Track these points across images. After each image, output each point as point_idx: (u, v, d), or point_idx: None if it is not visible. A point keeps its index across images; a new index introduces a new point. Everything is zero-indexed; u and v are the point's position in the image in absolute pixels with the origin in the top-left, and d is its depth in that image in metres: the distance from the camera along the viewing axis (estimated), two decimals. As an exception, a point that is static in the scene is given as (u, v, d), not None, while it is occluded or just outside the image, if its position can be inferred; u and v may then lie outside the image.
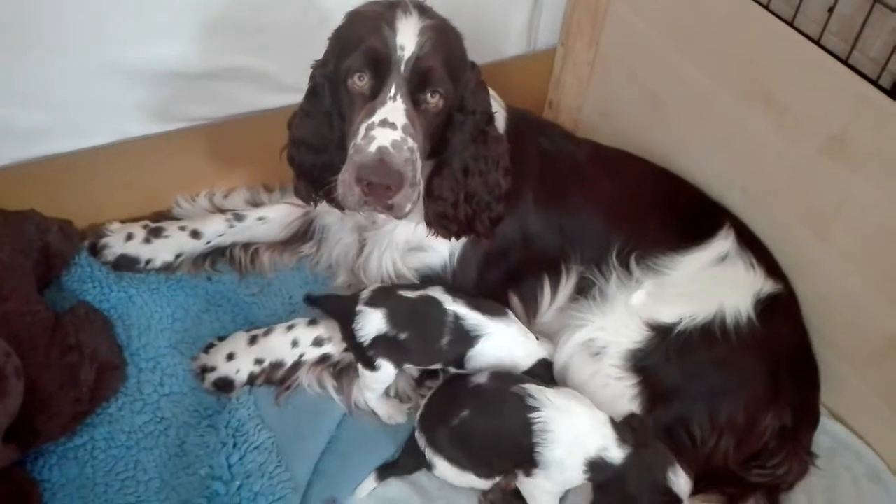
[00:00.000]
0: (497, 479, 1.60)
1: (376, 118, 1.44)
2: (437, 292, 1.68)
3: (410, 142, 1.44)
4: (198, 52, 1.90)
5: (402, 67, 1.45)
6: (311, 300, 1.76)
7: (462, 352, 1.66)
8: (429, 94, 1.49)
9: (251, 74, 2.00)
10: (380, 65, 1.46)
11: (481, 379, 1.62)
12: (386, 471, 1.66)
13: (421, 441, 1.61)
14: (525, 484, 1.56)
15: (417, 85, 1.47)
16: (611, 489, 1.48)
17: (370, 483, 1.64)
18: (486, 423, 1.56)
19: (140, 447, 1.67)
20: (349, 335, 1.65)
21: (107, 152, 1.95)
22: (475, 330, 1.65)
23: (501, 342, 1.66)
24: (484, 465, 1.58)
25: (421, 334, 1.63)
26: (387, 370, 1.64)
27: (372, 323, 1.61)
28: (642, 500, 1.47)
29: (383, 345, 1.62)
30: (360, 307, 1.63)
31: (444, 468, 1.60)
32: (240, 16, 1.89)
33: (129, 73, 1.86)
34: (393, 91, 1.45)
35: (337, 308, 1.70)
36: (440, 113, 1.53)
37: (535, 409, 1.51)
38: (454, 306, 1.65)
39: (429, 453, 1.60)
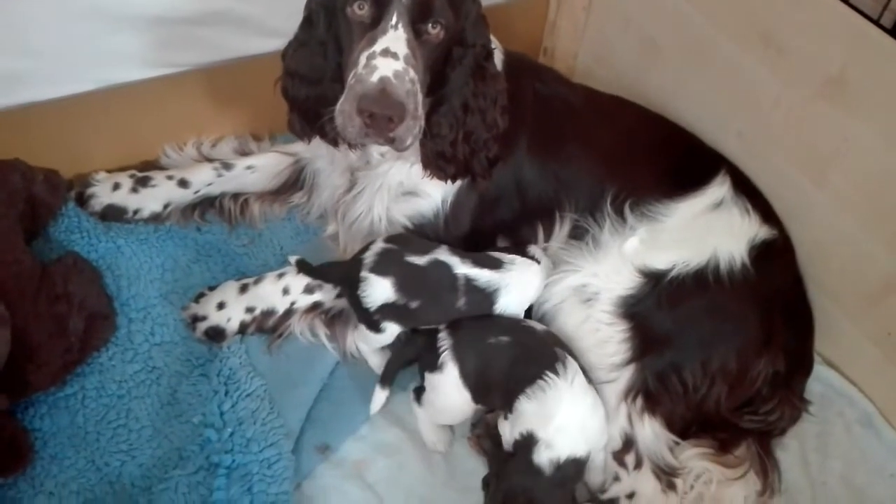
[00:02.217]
0: (479, 408, 1.61)
1: (377, 47, 1.41)
2: (445, 255, 1.63)
3: (412, 73, 1.41)
4: (181, -6, 1.85)
5: None
6: (306, 269, 1.72)
7: (486, 309, 1.63)
8: (430, 25, 1.46)
9: (237, 18, 1.96)
10: None
11: (537, 326, 1.62)
12: (390, 374, 1.66)
13: (444, 342, 1.58)
14: (500, 425, 1.56)
15: (419, 14, 1.44)
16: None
17: (381, 396, 1.65)
18: (514, 359, 1.55)
19: (131, 396, 1.67)
20: (354, 300, 1.62)
21: (92, 100, 1.91)
22: (490, 286, 1.62)
23: (517, 290, 1.63)
24: (483, 391, 1.57)
25: (434, 301, 1.60)
26: (391, 332, 1.62)
27: (379, 291, 1.58)
28: None
29: (391, 311, 1.60)
30: (365, 273, 1.59)
31: (449, 376, 1.56)
32: (223, -44, 1.85)
33: (111, 18, 1.82)
34: (395, 20, 1.42)
35: (339, 275, 1.67)
36: (441, 44, 1.50)
37: (556, 373, 1.49)
38: (463, 269, 1.62)
39: (446, 356, 1.57)
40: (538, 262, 1.69)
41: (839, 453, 1.74)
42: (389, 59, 1.39)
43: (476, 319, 1.63)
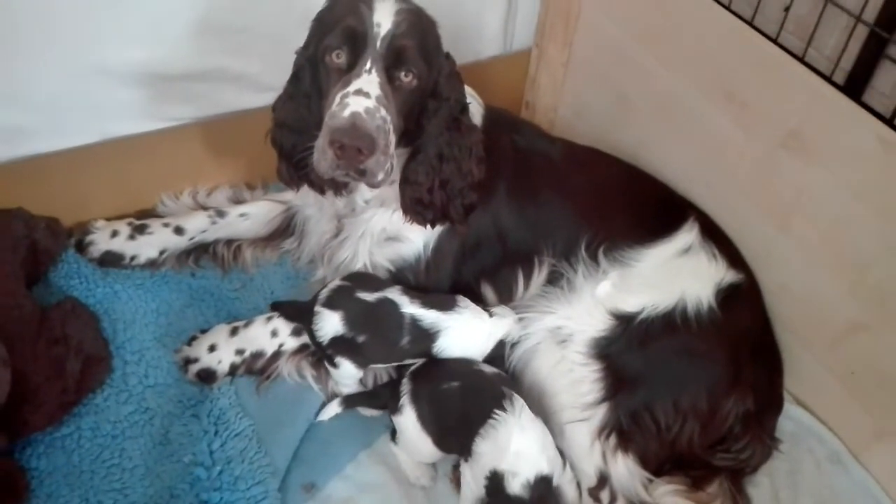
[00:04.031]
0: (444, 454, 1.67)
1: (351, 88, 1.49)
2: (394, 294, 1.71)
3: (383, 112, 1.49)
4: (180, 53, 1.96)
5: (378, 44, 1.51)
6: (276, 307, 1.81)
7: (425, 349, 1.70)
8: (403, 72, 1.55)
9: (233, 75, 2.06)
10: (356, 41, 1.52)
11: (486, 368, 1.68)
12: (352, 400, 1.73)
13: (405, 388, 1.66)
14: (462, 469, 1.61)
15: (392, 62, 1.53)
16: None
17: (334, 408, 1.71)
18: (465, 402, 1.61)
19: (125, 436, 1.72)
20: (310, 334, 1.70)
21: (92, 152, 2.00)
22: (433, 328, 1.69)
23: (458, 334, 1.70)
24: (442, 435, 1.63)
25: (380, 336, 1.68)
26: (347, 368, 1.68)
27: (329, 324, 1.66)
28: None
29: (341, 345, 1.67)
30: (318, 308, 1.68)
31: (409, 419, 1.64)
32: (222, 18, 1.95)
33: (113, 74, 1.92)
34: (368, 65, 1.51)
35: (297, 311, 1.75)
36: (414, 91, 1.58)
37: (503, 410, 1.55)
38: (411, 308, 1.69)
39: (405, 400, 1.64)
40: (498, 316, 1.75)
41: (809, 490, 1.78)
42: (361, 97, 1.47)
43: (433, 365, 1.70)
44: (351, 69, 1.52)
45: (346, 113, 1.46)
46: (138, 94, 1.99)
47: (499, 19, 2.37)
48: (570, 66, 2.38)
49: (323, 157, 1.50)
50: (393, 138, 1.53)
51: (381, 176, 1.53)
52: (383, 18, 1.51)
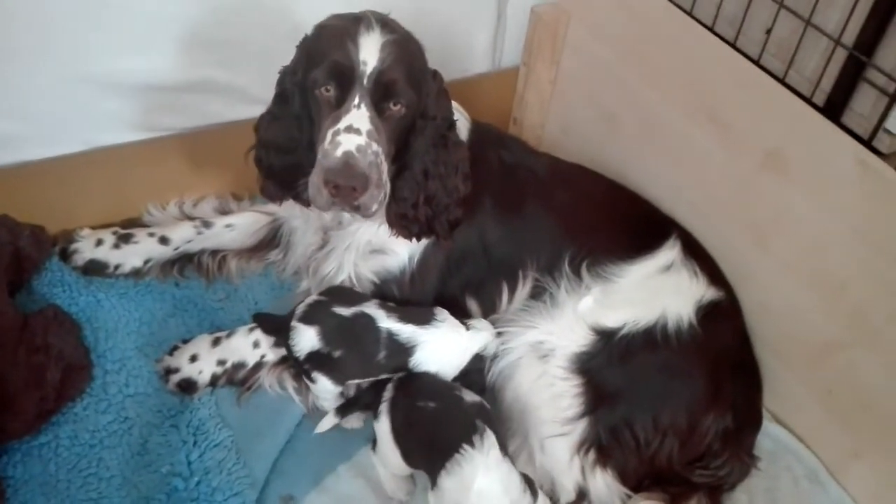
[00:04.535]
0: (412, 469, 1.66)
1: (342, 125, 1.51)
2: (371, 308, 1.71)
3: (375, 146, 1.52)
4: (170, 65, 1.97)
5: (365, 81, 1.53)
6: (256, 318, 1.82)
7: (402, 363, 1.70)
8: (391, 103, 1.57)
9: (221, 87, 2.08)
10: (344, 78, 1.54)
11: (467, 396, 1.66)
12: (346, 408, 1.72)
13: (387, 395, 1.66)
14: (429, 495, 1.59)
15: (381, 96, 1.55)
16: None
17: (330, 419, 1.70)
18: (435, 425, 1.60)
19: (103, 446, 1.71)
20: (287, 349, 1.70)
21: (79, 160, 2.01)
22: (409, 342, 1.69)
23: (434, 348, 1.70)
24: (407, 451, 1.62)
25: (356, 351, 1.68)
26: (324, 383, 1.68)
27: (305, 339, 1.66)
28: None
29: (317, 360, 1.67)
30: (294, 323, 1.68)
31: (384, 427, 1.63)
32: (211, 31, 1.96)
33: (102, 85, 1.93)
34: (357, 101, 1.52)
35: (275, 326, 1.75)
36: (403, 118, 1.60)
37: (472, 444, 1.52)
38: (387, 322, 1.69)
39: (383, 407, 1.64)
40: (475, 329, 1.75)
41: (788, 508, 1.79)
42: (352, 134, 1.50)
43: (416, 379, 1.69)
44: (340, 104, 1.54)
45: (339, 153, 1.49)
46: (126, 104, 2.00)
47: (488, 37, 2.40)
48: (557, 84, 2.41)
49: (319, 195, 1.53)
50: (386, 167, 1.56)
51: (374, 207, 1.56)
52: (369, 55, 1.52)
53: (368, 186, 1.50)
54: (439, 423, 1.59)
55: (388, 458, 1.65)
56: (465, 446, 1.50)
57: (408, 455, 1.62)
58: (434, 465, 1.53)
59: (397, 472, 1.70)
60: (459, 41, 2.37)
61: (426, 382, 1.70)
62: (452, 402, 1.64)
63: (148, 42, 1.92)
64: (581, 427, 1.66)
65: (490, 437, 1.54)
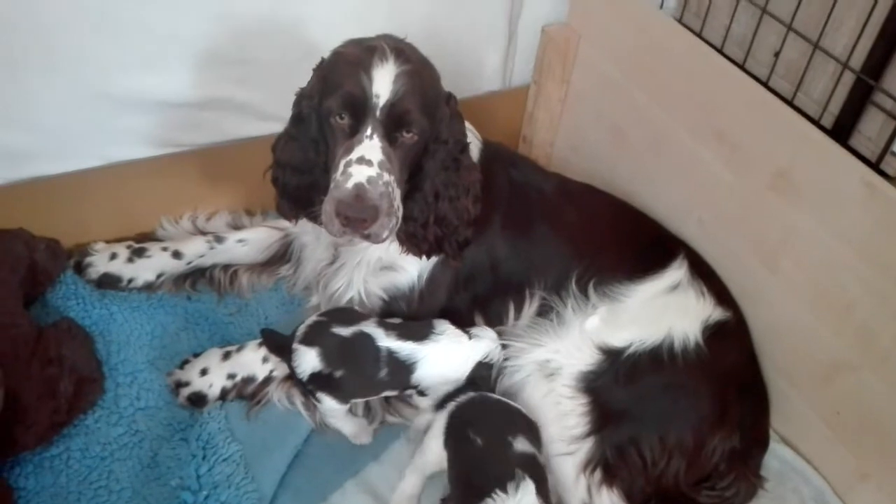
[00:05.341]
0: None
1: (354, 156, 1.53)
2: (370, 327, 1.72)
3: (386, 176, 1.53)
4: (185, 82, 2.00)
5: (378, 112, 1.54)
6: (265, 333, 1.82)
7: (404, 380, 1.71)
8: (404, 131, 1.58)
9: (236, 104, 2.11)
10: (357, 109, 1.55)
11: (519, 445, 1.59)
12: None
13: (449, 407, 1.69)
14: None
15: (393, 125, 1.56)
16: None
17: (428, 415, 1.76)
18: (474, 462, 1.58)
19: (114, 458, 1.73)
20: (291, 370, 1.71)
21: (94, 175, 2.04)
22: (409, 359, 1.70)
23: (435, 361, 1.71)
24: (452, 462, 1.63)
25: (357, 371, 1.69)
26: (329, 403, 1.69)
27: (307, 361, 1.67)
28: None
29: (320, 381, 1.67)
30: (295, 345, 1.69)
31: (437, 427, 1.67)
32: (226, 49, 1.99)
33: (118, 101, 1.96)
34: (369, 131, 1.54)
35: (280, 345, 1.76)
36: (416, 144, 1.62)
37: (505, 491, 1.48)
38: (387, 342, 1.70)
39: (440, 415, 1.68)
40: (477, 338, 1.76)
41: (795, 530, 1.78)
42: (364, 166, 1.52)
43: (479, 406, 1.68)
44: (354, 133, 1.56)
45: (350, 185, 1.50)
46: (142, 121, 2.03)
47: (499, 56, 2.42)
48: (566, 103, 2.43)
49: (331, 223, 1.55)
50: (398, 193, 1.58)
51: (385, 234, 1.57)
52: (381, 88, 1.53)
53: (379, 217, 1.52)
54: (480, 460, 1.59)
55: (431, 449, 1.67)
56: (499, 492, 1.49)
57: (451, 465, 1.63)
58: (467, 499, 1.53)
59: (427, 467, 1.70)
60: (471, 60, 2.39)
61: (486, 414, 1.68)
62: (499, 445, 1.60)
63: (164, 60, 1.95)
64: (587, 446, 1.67)
65: (527, 487, 1.50)
